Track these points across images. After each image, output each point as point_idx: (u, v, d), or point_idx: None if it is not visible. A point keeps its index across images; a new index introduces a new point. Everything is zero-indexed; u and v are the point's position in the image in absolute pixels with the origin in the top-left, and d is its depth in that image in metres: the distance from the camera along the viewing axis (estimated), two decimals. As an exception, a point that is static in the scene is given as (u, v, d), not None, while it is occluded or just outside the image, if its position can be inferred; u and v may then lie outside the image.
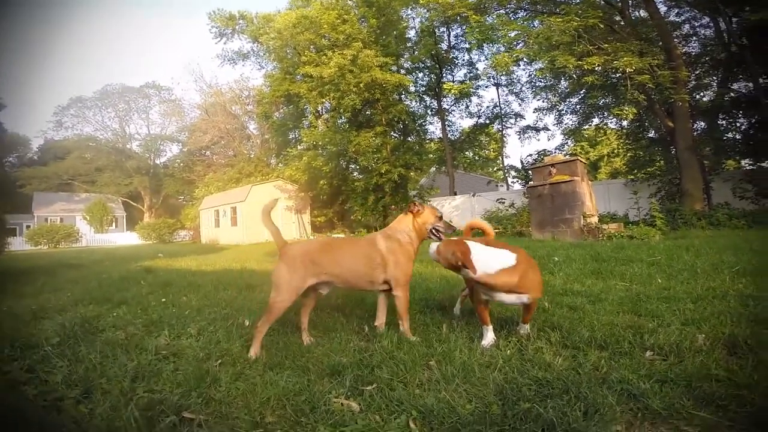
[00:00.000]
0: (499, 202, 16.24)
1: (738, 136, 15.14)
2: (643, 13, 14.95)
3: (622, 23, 13.80)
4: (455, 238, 2.43)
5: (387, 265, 2.52)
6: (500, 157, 31.38)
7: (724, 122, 15.51)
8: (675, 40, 14.21)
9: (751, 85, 13.57)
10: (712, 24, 14.88)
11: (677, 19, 16.17)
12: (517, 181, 28.99)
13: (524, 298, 2.17)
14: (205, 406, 1.77)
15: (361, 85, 17.27)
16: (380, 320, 2.72)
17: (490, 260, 2.14)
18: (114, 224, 39.77)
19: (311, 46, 19.41)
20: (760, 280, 3.51)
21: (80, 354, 2.34)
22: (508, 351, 2.14)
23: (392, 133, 20.81)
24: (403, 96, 21.60)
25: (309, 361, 2.18)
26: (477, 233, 3.11)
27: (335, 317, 3.09)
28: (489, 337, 2.32)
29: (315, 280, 2.49)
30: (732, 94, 14.68)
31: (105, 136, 44.62)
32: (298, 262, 2.47)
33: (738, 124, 15.40)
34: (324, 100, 19.77)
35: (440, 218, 2.68)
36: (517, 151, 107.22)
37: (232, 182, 27.78)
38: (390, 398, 1.71)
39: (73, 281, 5.90)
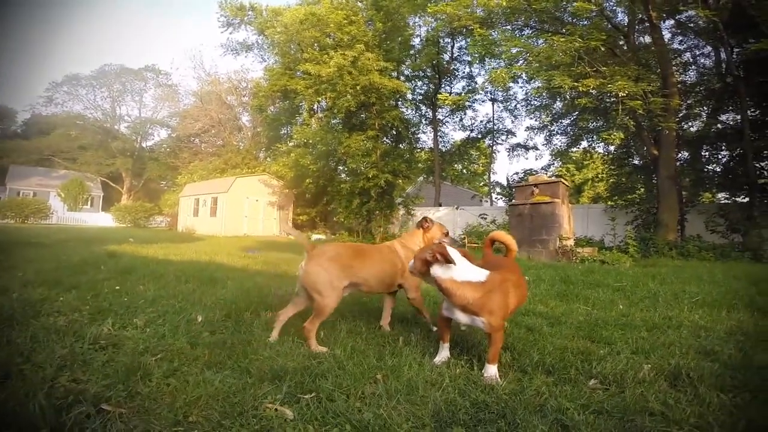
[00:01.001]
0: (481, 217, 16.36)
1: (718, 169, 15.59)
2: (647, 39, 15.24)
3: (625, 47, 14.07)
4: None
5: (405, 272, 2.74)
6: (488, 173, 31.70)
7: (707, 153, 15.95)
8: (674, 67, 14.52)
9: (738, 117, 13.94)
10: (713, 54, 15.31)
11: (680, 47, 16.56)
12: (501, 198, 29.30)
13: (479, 321, 2.08)
14: (129, 399, 1.71)
15: (358, 87, 17.23)
16: (386, 320, 2.97)
17: (462, 270, 2.10)
18: (90, 203, 38.72)
19: (315, 44, 19.35)
20: (716, 312, 3.59)
21: (12, 338, 2.22)
22: (458, 369, 2.11)
23: (384, 139, 20.80)
24: (399, 102, 21.65)
25: (252, 363, 2.11)
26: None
27: (291, 319, 3.01)
28: (443, 354, 2.30)
29: (346, 282, 2.58)
30: (719, 126, 15.11)
31: (94, 115, 43.60)
32: (334, 264, 2.54)
33: (720, 157, 15.87)
34: (320, 98, 19.71)
35: (447, 234, 3.00)
36: (504, 167, 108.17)
37: (216, 172, 27.30)
38: (327, 409, 1.66)
39: (29, 260, 5.66)
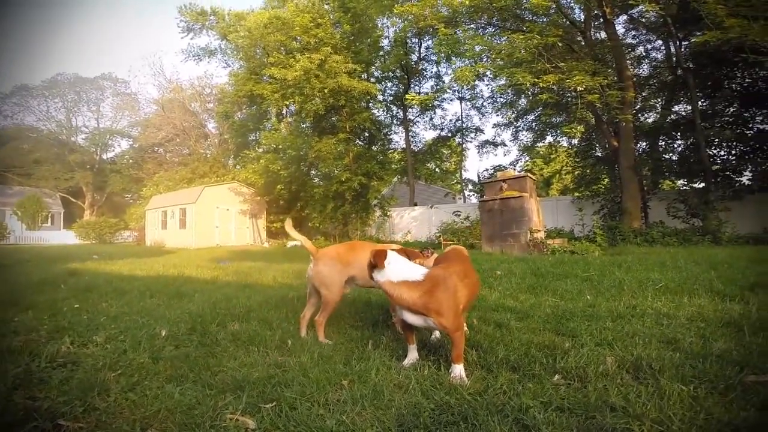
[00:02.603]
0: (455, 215, 16.54)
1: (675, 158, 16.30)
2: (602, 35, 15.78)
3: (582, 43, 14.54)
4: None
5: None
6: (459, 170, 32.12)
7: (663, 143, 16.67)
8: (627, 61, 15.10)
9: (690, 108, 14.60)
10: (664, 47, 16.10)
11: (633, 42, 17.24)
12: (474, 195, 29.70)
13: (429, 321, 2.07)
14: (87, 414, 1.70)
15: (326, 90, 17.08)
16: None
17: (398, 270, 2.11)
18: (50, 221, 36.89)
19: (281, 48, 19.04)
20: (678, 299, 3.67)
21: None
22: (426, 371, 2.10)
23: (356, 141, 20.71)
24: (370, 104, 21.57)
25: (214, 376, 2.06)
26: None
27: (258, 329, 2.95)
28: (411, 356, 2.28)
29: (346, 277, 2.85)
30: (673, 116, 15.82)
31: (48, 127, 41.46)
32: (337, 262, 2.83)
33: (676, 146, 16.62)
34: (287, 103, 19.42)
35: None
36: (475, 164, 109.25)
37: (183, 182, 26.47)
38: (289, 418, 1.63)
39: (-19, 283, 5.35)
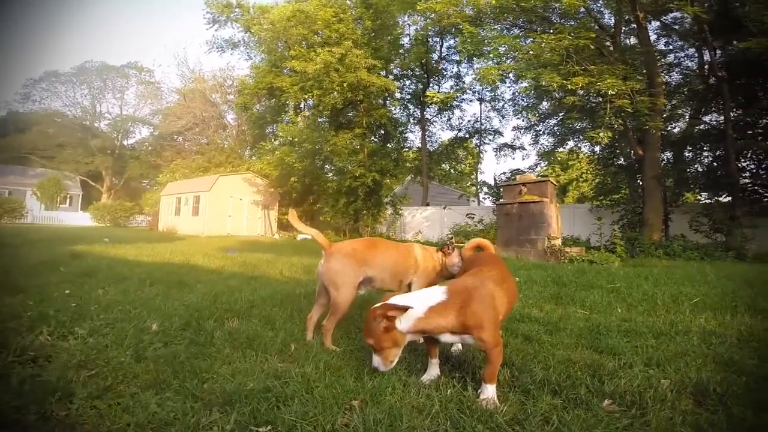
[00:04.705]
0: (469, 217, 16.14)
1: (701, 169, 15.64)
2: (632, 41, 15.24)
3: (611, 48, 14.03)
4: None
5: (417, 270, 2.70)
6: (475, 173, 31.63)
7: (690, 154, 16.01)
8: (658, 68, 14.57)
9: (721, 118, 13.97)
10: (696, 55, 15.43)
11: (664, 48, 16.60)
12: (488, 198, 29.24)
13: (467, 338, 1.79)
14: (43, 424, 1.42)
15: (345, 84, 16.99)
16: None
17: (416, 303, 1.80)
18: (68, 202, 37.49)
19: (303, 41, 19.04)
20: (720, 316, 3.37)
21: None
22: (449, 390, 1.79)
23: (372, 138, 20.57)
24: (387, 101, 21.40)
25: (203, 383, 1.77)
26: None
27: (259, 329, 2.67)
28: (432, 372, 1.99)
29: (362, 277, 2.53)
30: (702, 126, 15.17)
31: (73, 113, 42.37)
32: (352, 259, 2.51)
33: (702, 157, 15.94)
34: (306, 96, 19.37)
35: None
36: (491, 167, 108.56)
37: (199, 170, 26.61)
38: (288, 445, 1.33)
39: (-22, 262, 5.20)
